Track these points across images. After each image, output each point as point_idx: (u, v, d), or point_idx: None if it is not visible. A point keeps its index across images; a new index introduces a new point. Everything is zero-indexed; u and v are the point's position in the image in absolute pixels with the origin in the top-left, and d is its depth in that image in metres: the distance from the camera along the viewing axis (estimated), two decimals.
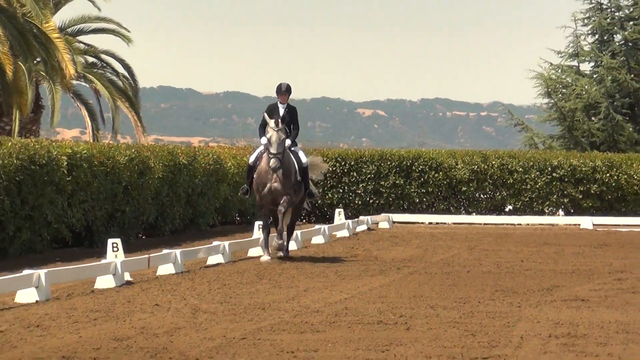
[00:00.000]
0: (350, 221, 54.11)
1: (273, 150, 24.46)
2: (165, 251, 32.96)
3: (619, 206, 61.03)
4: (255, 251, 39.18)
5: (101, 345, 18.49)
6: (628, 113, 75.66)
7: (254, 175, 26.58)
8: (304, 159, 26.73)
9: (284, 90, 27.08)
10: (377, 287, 28.36)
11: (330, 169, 63.39)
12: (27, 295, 25.28)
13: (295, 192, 26.22)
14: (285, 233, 27.76)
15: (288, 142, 26.05)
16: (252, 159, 27.15)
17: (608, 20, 77.86)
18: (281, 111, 26.16)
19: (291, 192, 25.82)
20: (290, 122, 26.72)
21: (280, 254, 27.83)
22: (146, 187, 47.38)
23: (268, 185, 24.96)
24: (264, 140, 25.89)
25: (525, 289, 28.06)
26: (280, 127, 25.18)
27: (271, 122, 25.67)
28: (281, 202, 26.52)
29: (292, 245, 41.60)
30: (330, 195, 62.57)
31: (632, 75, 75.18)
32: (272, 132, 24.73)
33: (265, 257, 27.97)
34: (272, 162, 24.17)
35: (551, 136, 77.20)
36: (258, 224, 26.13)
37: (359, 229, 52.33)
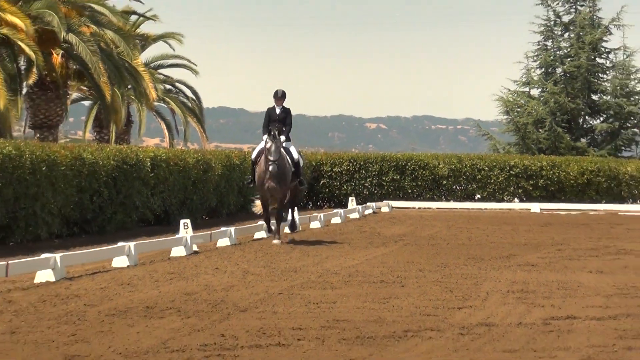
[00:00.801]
0: (360, 206, 53.93)
1: (271, 157, 24.35)
2: (223, 228, 32.96)
3: (559, 195, 61.22)
4: (288, 227, 39.91)
5: (175, 298, 19.16)
6: (566, 126, 76.41)
7: (256, 173, 26.32)
8: (295, 155, 26.35)
9: (279, 96, 27.07)
10: (380, 255, 28.68)
11: (345, 167, 64.39)
12: (120, 262, 25.75)
13: (290, 182, 26.08)
14: (280, 221, 27.35)
15: (283, 138, 25.81)
16: (254, 155, 26.72)
17: (551, 57, 78.38)
18: (278, 111, 26.46)
19: (286, 189, 25.62)
20: (285, 119, 26.69)
21: (278, 241, 27.31)
22: (209, 181, 47.14)
23: (266, 184, 25.04)
24: (265, 137, 25.90)
25: (490, 256, 28.40)
26: (277, 137, 25.02)
27: (268, 137, 25.67)
28: (278, 202, 26.47)
29: (316, 224, 43.20)
30: (345, 187, 62.49)
31: (569, 98, 76.06)
32: (270, 143, 24.68)
33: (276, 241, 27.22)
34: (271, 167, 24.32)
35: (509, 143, 77.47)
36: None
37: (367, 212, 51.81)
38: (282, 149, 24.92)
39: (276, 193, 25.43)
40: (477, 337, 14.87)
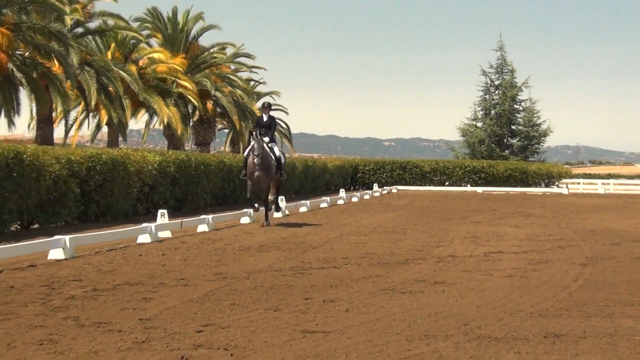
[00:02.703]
0: (380, 189, 52.87)
1: (255, 152, 22.24)
2: (302, 201, 32.85)
3: (493, 183, 60.90)
4: (340, 200, 39.15)
5: (276, 241, 19.00)
6: (496, 143, 77.05)
7: (247, 167, 23.22)
8: (277, 152, 23.80)
9: (266, 107, 25.00)
10: (391, 217, 28.18)
11: (371, 167, 64.16)
12: (245, 220, 24.31)
13: (274, 174, 23.29)
14: (270, 206, 24.40)
15: (266, 139, 23.21)
16: (245, 153, 23.75)
17: (488, 104, 78.82)
18: (265, 119, 24.16)
19: (271, 177, 22.99)
20: (270, 125, 24.08)
21: (266, 224, 23.45)
22: (294, 175, 46.91)
23: (255, 174, 22.51)
24: (252, 141, 22.97)
25: (454, 217, 27.70)
26: (259, 137, 22.59)
27: (253, 137, 23.01)
28: (264, 190, 23.28)
29: (355, 199, 42.15)
30: (371, 178, 61.77)
31: (498, 128, 76.81)
32: (254, 141, 22.46)
33: (266, 225, 23.36)
34: (256, 160, 22.15)
35: (464, 153, 77.39)
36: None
37: (384, 192, 51.42)
38: (265, 146, 22.85)
39: (262, 181, 22.81)
40: (446, 263, 14.79)
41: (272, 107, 74.41)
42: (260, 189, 23.42)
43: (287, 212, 29.05)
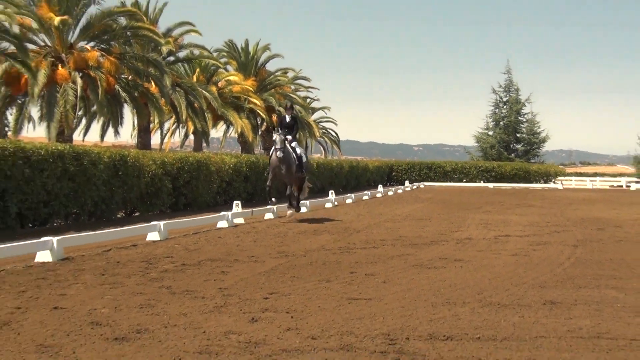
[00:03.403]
0: (410, 185, 52.44)
1: (277, 146, 19.38)
2: (348, 194, 32.74)
3: (501, 180, 60.75)
4: (378, 194, 39.03)
5: (327, 226, 19.03)
6: (504, 148, 76.38)
7: (270, 162, 20.42)
8: (299, 151, 20.73)
9: (289, 107, 21.83)
10: (419, 207, 28.00)
11: (404, 167, 63.87)
12: (304, 209, 24.02)
13: (295, 172, 20.23)
14: (294, 201, 21.18)
15: (289, 137, 20.43)
16: (271, 152, 20.52)
17: (498, 117, 78.30)
18: (287, 119, 21.00)
19: (291, 174, 20.03)
20: (294, 125, 21.05)
21: (292, 211, 20.82)
22: (342, 174, 46.86)
23: (276, 168, 19.62)
24: (275, 136, 20.07)
25: (470, 207, 27.53)
26: (280, 132, 19.74)
27: (275, 132, 20.18)
28: (286, 184, 20.62)
29: (390, 193, 41.77)
30: (404, 176, 61.71)
31: (506, 135, 76.45)
32: (276, 136, 19.69)
33: (290, 212, 20.79)
34: (278, 153, 19.18)
35: (478, 156, 77.11)
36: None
37: (414, 187, 51.20)
38: (286, 144, 19.98)
39: (282, 176, 19.98)
40: (464, 244, 14.67)
41: (324, 119, 75.21)
42: (280, 183, 20.91)
43: (335, 203, 29.00)
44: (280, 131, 19.76)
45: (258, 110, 52.31)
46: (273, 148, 19.97)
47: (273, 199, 20.74)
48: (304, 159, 20.82)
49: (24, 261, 11.06)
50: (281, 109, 56.30)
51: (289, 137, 20.38)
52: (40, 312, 7.46)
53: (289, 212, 20.67)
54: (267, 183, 20.64)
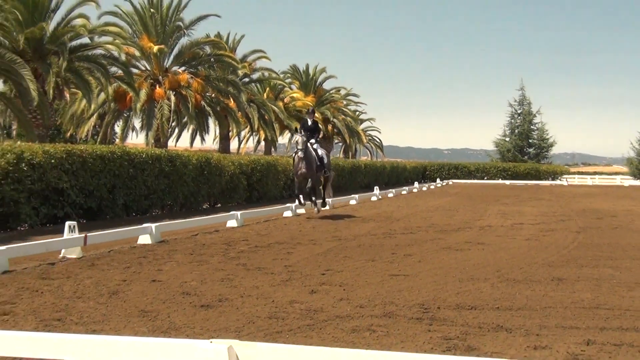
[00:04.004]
0: (441, 182, 51.75)
1: (299, 147, 16.97)
2: (389, 190, 32.62)
3: (516, 177, 60.07)
4: (414, 189, 38.23)
5: (373, 215, 19.01)
6: (519, 152, 74.78)
7: (294, 164, 17.77)
8: (320, 152, 18.29)
9: (310, 112, 19.38)
10: (448, 200, 27.75)
11: (435, 168, 63.33)
12: (353, 202, 24.20)
13: (316, 171, 17.71)
14: (316, 199, 18.40)
15: (312, 141, 18.17)
16: (292, 153, 17.63)
17: (514, 125, 76.68)
18: (309, 123, 18.52)
19: (313, 173, 17.46)
20: (315, 130, 18.70)
21: (316, 209, 18.48)
22: (385, 172, 46.61)
23: (299, 170, 17.24)
24: (296, 136, 17.65)
25: (490, 200, 27.21)
26: (303, 134, 17.40)
27: (297, 134, 17.70)
28: (309, 181, 17.42)
29: (424, 188, 41.24)
30: (435, 175, 60.85)
31: (520, 141, 75.54)
32: (297, 137, 17.32)
33: (301, 210, 18.80)
34: (299, 153, 16.88)
35: (497, 158, 75.60)
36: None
37: (443, 184, 50.67)
38: (308, 145, 17.50)
39: (304, 174, 17.25)
40: (485, 230, 14.52)
41: (370, 129, 75.04)
42: (304, 183, 17.61)
43: (380, 197, 28.79)
44: (302, 133, 17.41)
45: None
46: (295, 149, 17.45)
47: (301, 201, 17.84)
48: (325, 160, 18.33)
49: (129, 243, 11.18)
50: (336, 120, 56.48)
51: (312, 140, 18.15)
52: (142, 284, 7.56)
53: (314, 208, 18.25)
54: (296, 191, 18.04)
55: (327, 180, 18.94)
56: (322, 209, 19.10)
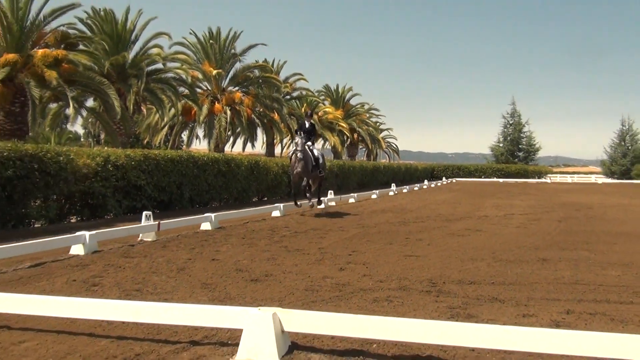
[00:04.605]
0: (446, 180, 51.45)
1: (298, 148, 14.59)
2: (404, 186, 32.34)
3: (509, 177, 59.56)
4: (424, 186, 38.08)
5: (388, 207, 18.85)
6: (510, 156, 73.68)
7: (290, 164, 15.25)
8: (316, 153, 15.50)
9: (308, 115, 16.07)
10: (451, 195, 27.50)
11: (441, 168, 62.68)
12: (374, 196, 24.14)
13: (312, 172, 15.07)
14: (310, 196, 15.72)
15: (309, 143, 15.39)
16: (290, 153, 15.79)
17: (507, 134, 75.60)
18: (307, 125, 15.61)
19: (308, 173, 14.94)
20: (312, 131, 15.75)
21: (311, 203, 15.95)
22: (400, 172, 46.49)
23: (295, 170, 14.72)
24: (296, 138, 15.18)
25: (487, 195, 27.04)
26: (303, 136, 15.00)
27: (297, 135, 15.18)
28: (304, 180, 15.14)
29: (425, 186, 40.52)
30: (441, 174, 60.46)
31: (511, 147, 74.14)
32: (298, 139, 14.89)
33: (309, 203, 16.00)
34: (299, 154, 14.44)
35: (492, 160, 74.47)
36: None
37: (448, 182, 50.33)
38: (306, 146, 14.97)
39: (301, 175, 14.78)
40: (482, 220, 14.37)
41: (389, 137, 74.49)
42: (299, 182, 15.25)
43: (396, 192, 28.65)
44: (302, 135, 15.07)
45: (344, 131, 53.02)
46: (293, 150, 15.11)
47: (298, 204, 15.71)
48: (321, 160, 15.78)
49: (193, 229, 11.27)
50: (360, 130, 56.25)
51: (309, 142, 15.54)
52: (203, 262, 7.58)
53: (309, 204, 15.97)
54: (292, 192, 15.88)
55: (321, 179, 16.19)
56: (318, 207, 16.74)
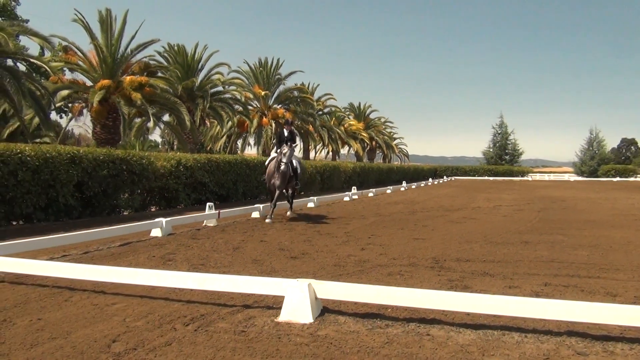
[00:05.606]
0: (447, 178, 50.82)
1: (284, 160, 10.51)
2: (413, 183, 31.99)
3: (497, 176, 58.29)
4: (429, 182, 37.44)
5: (400, 199, 18.56)
6: (499, 159, 71.00)
7: (266, 173, 11.09)
8: (295, 163, 11.20)
9: (288, 123, 11.40)
10: (451, 190, 27.06)
11: (443, 169, 61.50)
12: (389, 191, 23.71)
13: (289, 182, 11.05)
14: (291, 204, 11.77)
15: (295, 153, 11.84)
16: (267, 162, 11.44)
17: (496, 141, 73.15)
18: (286, 133, 11.21)
19: (284, 186, 10.84)
20: (291, 140, 11.17)
21: (289, 213, 11.54)
22: (409, 172, 45.89)
23: (272, 181, 10.71)
24: (274, 153, 11.36)
25: (479, 190, 26.64)
26: (288, 148, 10.86)
27: (285, 146, 10.76)
28: (282, 190, 10.87)
29: (429, 183, 39.47)
30: (443, 173, 59.35)
31: (500, 152, 71.39)
32: (287, 150, 10.64)
33: (268, 220, 10.39)
34: (283, 167, 10.51)
35: (484, 163, 72.70)
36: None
37: (448, 180, 49.79)
38: (292, 159, 11.05)
39: (278, 186, 10.64)
40: (476, 210, 14.13)
41: (401, 144, 73.11)
42: (274, 193, 10.80)
43: (406, 188, 28.35)
44: (285, 145, 10.97)
45: (365, 139, 52.88)
46: (275, 158, 11.00)
47: (271, 219, 10.61)
48: (299, 171, 11.65)
49: (245, 217, 11.29)
50: (377, 139, 55.78)
51: (295, 153, 11.56)
52: (254, 243, 7.59)
53: (267, 220, 10.53)
54: (273, 201, 10.87)
55: (295, 190, 12.03)
56: (287, 214, 11.88)
